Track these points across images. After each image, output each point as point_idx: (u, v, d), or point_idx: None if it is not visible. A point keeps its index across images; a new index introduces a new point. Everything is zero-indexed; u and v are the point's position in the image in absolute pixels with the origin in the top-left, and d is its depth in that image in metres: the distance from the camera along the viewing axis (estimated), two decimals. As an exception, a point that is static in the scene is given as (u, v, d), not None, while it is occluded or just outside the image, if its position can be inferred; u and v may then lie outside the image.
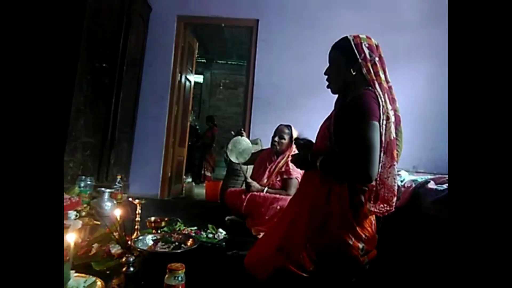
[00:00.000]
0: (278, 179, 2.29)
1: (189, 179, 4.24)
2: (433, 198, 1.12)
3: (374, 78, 1.15)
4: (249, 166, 2.73)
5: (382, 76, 1.16)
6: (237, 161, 2.45)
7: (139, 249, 1.34)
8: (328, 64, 1.27)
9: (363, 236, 1.11)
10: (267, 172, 2.32)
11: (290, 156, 2.25)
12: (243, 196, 2.23)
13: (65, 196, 1.61)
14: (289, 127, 2.34)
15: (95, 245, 1.39)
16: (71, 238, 1.11)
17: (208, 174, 5.53)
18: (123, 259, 1.25)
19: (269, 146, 2.42)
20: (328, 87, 1.28)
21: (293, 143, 1.45)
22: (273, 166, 2.31)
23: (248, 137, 3.15)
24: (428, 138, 3.10)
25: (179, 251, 1.37)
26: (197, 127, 6.80)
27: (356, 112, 1.09)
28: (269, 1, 3.45)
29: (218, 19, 3.55)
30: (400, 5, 3.31)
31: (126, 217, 1.50)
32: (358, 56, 1.15)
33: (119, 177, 2.53)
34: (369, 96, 1.10)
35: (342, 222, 1.10)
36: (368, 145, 1.04)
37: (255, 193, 2.19)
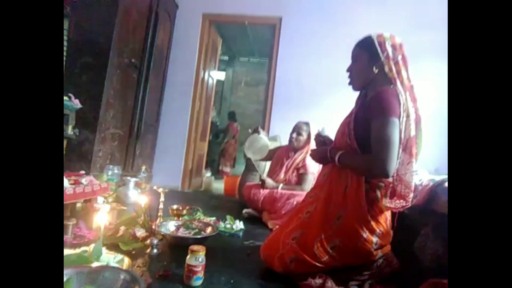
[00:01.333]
0: (294, 174, 2.34)
1: (209, 174, 4.35)
2: (447, 196, 1.13)
3: (396, 76, 1.17)
4: (267, 162, 2.78)
5: (404, 75, 1.18)
6: (253, 158, 2.51)
7: (162, 233, 1.42)
8: (350, 62, 1.30)
9: (377, 230, 1.13)
10: (284, 168, 2.36)
11: (307, 153, 2.29)
12: (261, 191, 2.29)
13: (95, 181, 1.73)
14: (307, 124, 2.37)
15: (122, 228, 1.49)
16: (102, 219, 1.21)
17: (227, 169, 5.63)
18: (148, 242, 1.34)
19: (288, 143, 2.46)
20: (350, 84, 1.31)
21: (313, 139, 1.48)
22: (290, 162, 2.35)
23: (268, 134, 3.21)
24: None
25: (199, 236, 1.45)
26: (218, 123, 6.92)
27: (376, 108, 1.12)
28: (292, -1, 3.47)
29: (242, 17, 3.62)
30: (425, 2, 3.24)
31: (150, 205, 1.60)
32: (381, 55, 1.17)
33: (143, 167, 2.66)
34: (390, 94, 1.12)
35: (357, 216, 1.13)
36: (387, 141, 1.06)
37: (271, 189, 2.25)
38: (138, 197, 1.87)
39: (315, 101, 3.36)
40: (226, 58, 8.05)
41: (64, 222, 1.36)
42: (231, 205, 2.70)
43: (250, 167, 2.99)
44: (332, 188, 1.21)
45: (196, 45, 3.59)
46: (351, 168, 1.18)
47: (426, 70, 2.93)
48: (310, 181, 2.22)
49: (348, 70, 1.30)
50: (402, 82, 1.16)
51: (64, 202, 1.45)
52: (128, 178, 2.35)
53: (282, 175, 2.34)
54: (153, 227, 1.44)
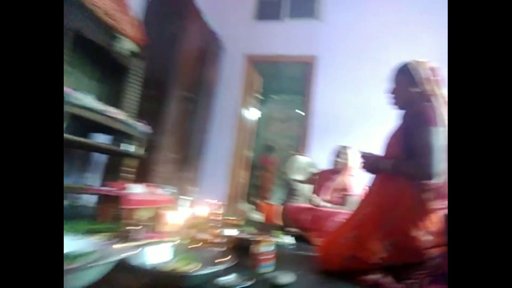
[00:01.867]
0: (337, 196, 2.44)
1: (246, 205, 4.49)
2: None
3: (431, 94, 1.34)
4: (309, 186, 2.90)
5: (438, 92, 1.35)
6: (295, 178, 2.65)
7: (227, 235, 1.59)
8: (384, 91, 1.50)
9: (431, 229, 1.22)
10: (327, 190, 2.48)
11: (350, 175, 2.41)
12: (307, 211, 2.40)
13: (165, 193, 1.96)
14: (347, 147, 2.52)
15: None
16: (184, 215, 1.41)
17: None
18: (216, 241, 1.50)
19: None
20: (391, 103, 1.49)
21: (359, 156, 1.63)
22: (334, 183, 2.47)
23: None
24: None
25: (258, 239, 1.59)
26: (252, 157, 7.17)
27: (416, 121, 1.28)
28: (326, 38, 3.81)
29: (280, 56, 3.99)
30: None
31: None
32: (418, 76, 1.36)
33: (196, 188, 2.89)
34: (426, 108, 1.29)
35: (411, 216, 1.24)
36: (429, 147, 1.21)
37: (317, 207, 2.35)
38: (198, 208, 2.07)
39: (351, 132, 3.51)
40: (260, 96, 8.51)
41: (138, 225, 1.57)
42: (275, 229, 2.79)
43: (291, 191, 3.12)
44: (385, 191, 1.34)
45: (238, 81, 3.97)
46: (401, 173, 1.31)
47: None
48: (354, 202, 2.30)
49: (391, 93, 1.49)
50: (437, 98, 1.33)
51: (142, 206, 1.69)
52: (184, 197, 2.57)
53: (326, 197, 2.45)
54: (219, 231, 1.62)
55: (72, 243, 0.86)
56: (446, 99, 1.34)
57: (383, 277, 1.21)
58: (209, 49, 3.51)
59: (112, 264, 0.81)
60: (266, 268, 1.18)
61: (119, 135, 2.28)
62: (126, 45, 2.32)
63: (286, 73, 7.36)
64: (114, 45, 2.25)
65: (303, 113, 3.95)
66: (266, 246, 1.20)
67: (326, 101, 3.69)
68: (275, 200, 6.37)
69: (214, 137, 3.83)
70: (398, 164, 1.32)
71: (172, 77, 2.81)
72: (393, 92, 1.48)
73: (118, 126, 2.09)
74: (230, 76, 3.99)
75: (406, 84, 1.40)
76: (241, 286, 0.97)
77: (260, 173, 6.06)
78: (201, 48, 3.38)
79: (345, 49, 3.74)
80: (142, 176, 2.59)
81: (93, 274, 0.76)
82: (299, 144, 3.69)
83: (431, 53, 3.37)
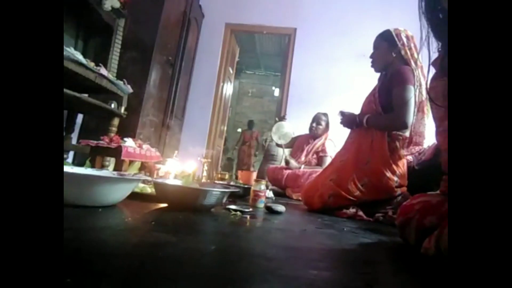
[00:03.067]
0: (314, 157, 2.66)
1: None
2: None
3: (410, 58, 1.54)
4: (284, 150, 3.10)
5: (416, 57, 1.55)
6: (279, 142, 2.83)
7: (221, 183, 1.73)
8: (373, 51, 1.67)
9: (398, 172, 1.46)
10: (304, 152, 2.69)
11: (326, 139, 2.64)
12: (284, 171, 2.60)
13: (152, 149, 2.03)
14: (326, 114, 2.73)
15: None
16: (174, 166, 1.53)
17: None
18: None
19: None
20: (372, 67, 1.67)
21: (337, 114, 1.80)
22: (311, 147, 2.68)
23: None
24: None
25: (247, 186, 1.75)
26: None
27: (397, 80, 1.48)
28: (306, 12, 3.93)
29: (261, 27, 4.05)
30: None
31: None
32: (398, 42, 1.55)
33: (176, 151, 2.96)
34: (407, 69, 1.49)
35: (382, 161, 1.46)
36: (406, 102, 1.42)
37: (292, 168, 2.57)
38: (186, 164, 2.18)
39: (324, 101, 3.73)
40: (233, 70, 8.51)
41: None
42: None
43: (269, 156, 3.32)
44: (361, 141, 1.55)
45: (219, 50, 3.99)
46: (377, 126, 1.52)
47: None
48: (329, 162, 2.54)
49: (371, 57, 1.67)
50: (415, 62, 1.53)
51: (129, 159, 1.77)
52: (166, 159, 2.65)
53: (302, 158, 2.67)
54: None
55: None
56: (422, 65, 1.55)
57: (357, 211, 1.43)
58: (191, 15, 3.47)
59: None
60: (261, 203, 1.35)
61: (103, 94, 2.28)
62: (110, 1, 2.27)
63: (261, 49, 7.41)
64: (98, 2, 2.20)
65: (280, 85, 4.09)
66: (262, 185, 1.36)
67: (302, 73, 3.86)
68: (256, 168, 6.62)
69: (194, 104, 3.86)
70: (373, 118, 1.52)
71: (155, 40, 2.79)
72: (375, 56, 1.65)
73: (105, 84, 2.09)
74: (210, 44, 3.99)
75: (387, 48, 1.58)
76: (245, 210, 1.13)
77: (241, 147, 6.22)
78: (183, 13, 3.34)
79: (321, 22, 3.88)
80: (124, 136, 2.61)
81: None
82: (281, 111, 3.85)
83: (402, 27, 3.66)
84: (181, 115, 3.69)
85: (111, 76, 2.17)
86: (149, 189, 1.24)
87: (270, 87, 8.93)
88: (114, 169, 1.83)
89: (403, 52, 1.54)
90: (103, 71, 2.00)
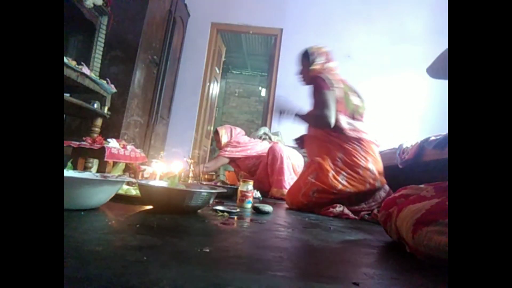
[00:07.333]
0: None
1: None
2: (433, 145, 1.50)
3: (323, 69, 1.68)
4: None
5: (329, 67, 1.70)
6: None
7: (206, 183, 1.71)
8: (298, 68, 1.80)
9: (368, 158, 1.55)
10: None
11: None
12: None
13: (137, 150, 1.99)
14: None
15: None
16: (160, 167, 1.50)
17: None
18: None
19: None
20: (300, 82, 1.81)
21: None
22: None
23: (270, 129, 3.56)
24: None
25: (235, 187, 1.74)
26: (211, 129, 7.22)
27: (314, 88, 1.63)
28: (292, 13, 3.95)
29: (247, 27, 4.04)
30: (406, 21, 3.79)
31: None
32: (313, 58, 1.69)
33: (162, 152, 2.92)
34: (319, 78, 1.62)
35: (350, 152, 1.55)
36: (325, 104, 1.55)
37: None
38: (172, 165, 2.15)
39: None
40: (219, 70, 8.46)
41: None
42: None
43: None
44: (317, 142, 1.64)
45: (205, 49, 3.96)
46: (311, 124, 1.71)
47: (408, 77, 3.43)
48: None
49: (297, 74, 1.81)
50: (329, 72, 1.67)
51: (113, 160, 1.73)
52: (151, 160, 2.61)
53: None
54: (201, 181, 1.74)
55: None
56: (337, 73, 1.71)
57: (343, 210, 1.45)
58: (176, 14, 3.43)
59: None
60: (249, 204, 1.35)
61: (85, 93, 2.22)
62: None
63: (248, 49, 7.40)
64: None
65: (267, 86, 4.10)
66: (249, 185, 1.36)
67: (288, 73, 3.87)
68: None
69: (180, 104, 3.82)
70: (306, 117, 1.67)
71: (139, 38, 2.74)
72: (300, 73, 1.80)
73: (87, 84, 2.04)
74: (196, 43, 3.95)
75: (307, 65, 1.73)
76: (232, 211, 1.12)
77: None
78: (168, 11, 3.29)
79: (307, 23, 3.92)
80: (107, 137, 2.55)
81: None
82: (267, 112, 3.85)
83: (384, 29, 3.75)
84: (167, 115, 3.64)
85: (94, 76, 2.12)
86: (134, 191, 1.21)
87: (257, 87, 8.92)
88: (98, 171, 1.79)
89: (318, 67, 1.69)
90: (85, 70, 1.95)
